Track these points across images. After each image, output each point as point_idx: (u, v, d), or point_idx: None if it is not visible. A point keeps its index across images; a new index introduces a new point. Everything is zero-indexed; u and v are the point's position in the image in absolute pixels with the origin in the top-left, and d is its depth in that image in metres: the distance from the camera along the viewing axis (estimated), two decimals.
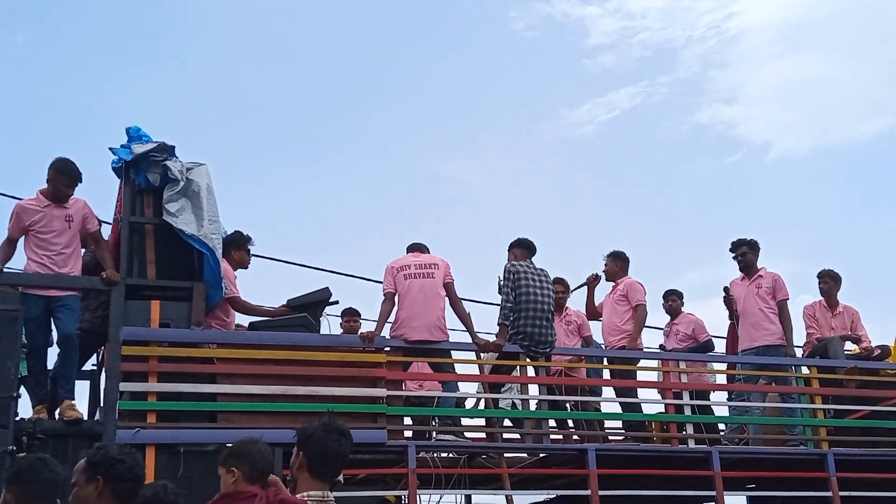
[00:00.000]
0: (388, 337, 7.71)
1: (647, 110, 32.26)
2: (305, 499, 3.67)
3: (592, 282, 9.43)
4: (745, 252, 9.39)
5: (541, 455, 8.27)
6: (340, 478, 3.90)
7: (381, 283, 7.92)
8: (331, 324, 8.87)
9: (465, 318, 8.00)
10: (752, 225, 30.66)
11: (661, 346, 10.08)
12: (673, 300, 9.87)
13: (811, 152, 32.70)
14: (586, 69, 31.59)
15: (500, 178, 33.83)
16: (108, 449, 3.66)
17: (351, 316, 9.71)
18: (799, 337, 9.53)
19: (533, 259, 8.41)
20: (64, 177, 6.94)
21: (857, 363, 9.21)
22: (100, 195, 7.63)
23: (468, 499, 9.32)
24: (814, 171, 32.49)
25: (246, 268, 8.24)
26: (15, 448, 5.91)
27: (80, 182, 7.04)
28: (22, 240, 6.99)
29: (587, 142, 32.16)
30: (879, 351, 9.57)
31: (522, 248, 8.41)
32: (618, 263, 9.34)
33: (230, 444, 4.12)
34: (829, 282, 9.62)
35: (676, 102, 32.85)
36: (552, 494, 9.00)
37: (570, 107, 33.96)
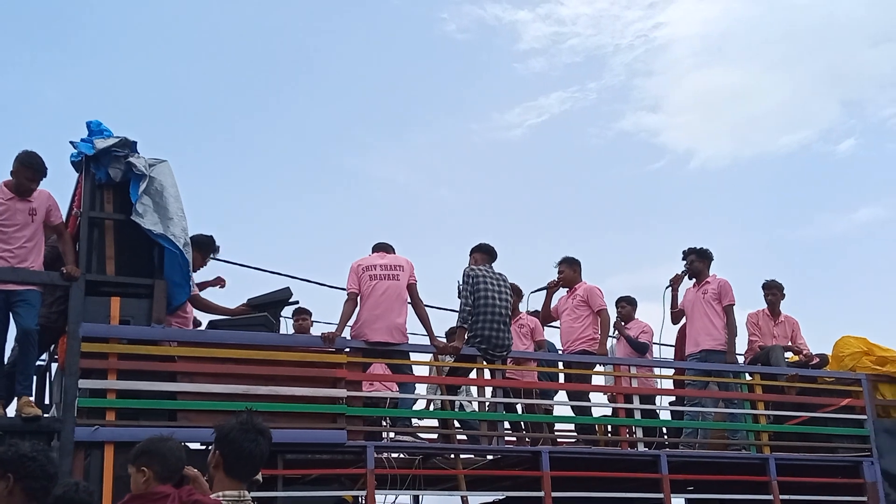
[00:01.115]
0: (348, 337, 7.75)
1: (575, 115, 32.66)
2: (220, 498, 3.61)
3: (553, 287, 9.56)
4: (693, 260, 9.67)
5: (489, 457, 8.38)
6: (259, 477, 3.86)
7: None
8: (286, 323, 8.93)
9: (425, 320, 8.05)
10: (673, 232, 31.14)
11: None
12: (623, 306, 10.05)
13: (732, 162, 33.34)
14: (517, 73, 31.81)
15: (431, 179, 33.95)
16: (19, 446, 3.60)
17: (301, 315, 9.72)
18: (743, 344, 9.84)
19: (493, 264, 8.51)
20: (27, 170, 6.79)
21: (797, 371, 9.52)
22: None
23: (416, 499, 9.39)
24: (734, 181, 33.21)
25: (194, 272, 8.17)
26: None
27: (44, 176, 6.88)
28: None
29: (517, 145, 32.41)
30: (818, 359, 9.92)
31: (483, 253, 8.50)
32: (574, 269, 9.47)
33: (139, 442, 3.97)
34: (775, 292, 9.94)
35: (603, 109, 33.38)
36: (502, 495, 9.14)
37: (500, 110, 34.14)
